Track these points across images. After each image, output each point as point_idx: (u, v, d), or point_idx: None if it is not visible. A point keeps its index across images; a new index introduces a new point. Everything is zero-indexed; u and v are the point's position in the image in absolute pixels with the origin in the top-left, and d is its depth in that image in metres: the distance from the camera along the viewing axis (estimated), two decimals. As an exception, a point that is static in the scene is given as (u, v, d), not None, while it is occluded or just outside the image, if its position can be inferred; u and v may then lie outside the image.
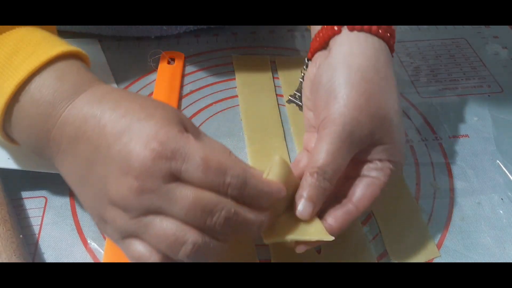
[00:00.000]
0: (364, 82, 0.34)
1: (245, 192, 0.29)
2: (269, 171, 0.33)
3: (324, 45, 0.39)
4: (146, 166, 0.28)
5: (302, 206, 0.33)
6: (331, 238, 0.33)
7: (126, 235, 0.30)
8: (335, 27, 0.37)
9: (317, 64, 0.38)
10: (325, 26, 0.38)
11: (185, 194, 0.28)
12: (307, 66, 0.41)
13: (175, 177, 0.28)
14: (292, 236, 0.33)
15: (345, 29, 0.37)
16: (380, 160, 0.35)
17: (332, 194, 0.35)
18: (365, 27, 0.36)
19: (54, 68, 0.33)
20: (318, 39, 0.39)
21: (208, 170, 0.28)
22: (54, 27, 0.39)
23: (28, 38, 0.34)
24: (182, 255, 0.28)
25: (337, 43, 0.37)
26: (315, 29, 0.41)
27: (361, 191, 0.35)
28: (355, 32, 0.37)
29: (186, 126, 0.31)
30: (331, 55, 0.36)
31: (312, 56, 0.40)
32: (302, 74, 0.43)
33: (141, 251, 0.29)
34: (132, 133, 0.29)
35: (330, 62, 0.36)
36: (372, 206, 0.35)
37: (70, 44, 0.35)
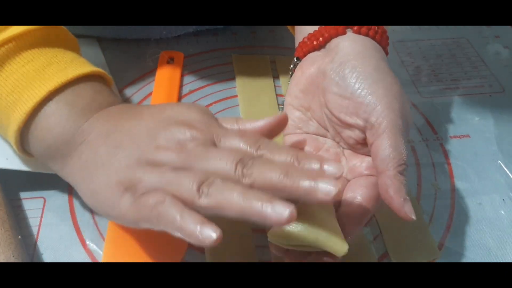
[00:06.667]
0: (390, 71, 0.35)
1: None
2: None
3: (323, 45, 0.38)
4: (203, 122, 0.33)
5: (410, 209, 0.31)
6: (343, 251, 0.31)
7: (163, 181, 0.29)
8: (339, 28, 0.37)
9: (318, 63, 0.37)
10: (323, 26, 0.38)
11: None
12: (295, 66, 0.40)
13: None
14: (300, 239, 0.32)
15: (350, 31, 0.37)
16: None
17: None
18: (370, 33, 0.37)
19: (88, 84, 0.36)
20: (316, 38, 0.38)
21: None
22: (76, 42, 0.40)
23: (60, 55, 0.36)
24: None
25: (345, 40, 0.37)
26: (303, 30, 0.40)
27: (363, 191, 0.34)
28: (361, 36, 0.37)
29: None
30: (342, 49, 0.36)
31: (305, 55, 0.39)
32: (291, 73, 0.42)
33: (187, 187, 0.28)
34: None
35: (347, 54, 0.35)
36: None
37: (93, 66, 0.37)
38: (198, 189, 0.28)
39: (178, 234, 0.28)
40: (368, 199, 0.34)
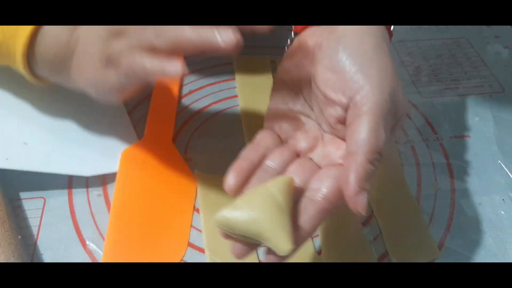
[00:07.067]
0: (388, 53, 0.33)
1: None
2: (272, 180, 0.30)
3: None
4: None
5: (363, 202, 0.28)
6: (286, 250, 0.28)
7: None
8: None
9: (317, 36, 0.35)
10: None
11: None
12: (291, 42, 0.38)
13: None
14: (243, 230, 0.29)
15: None
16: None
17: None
18: None
19: None
20: None
21: None
22: None
23: None
24: None
25: None
26: None
27: (331, 183, 0.30)
28: None
29: None
30: (342, 26, 0.34)
31: (303, 30, 0.37)
32: (288, 43, 0.39)
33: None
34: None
35: (346, 29, 0.34)
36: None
37: None
38: (154, 35, 0.32)
39: (154, 77, 0.33)
40: (334, 192, 0.30)
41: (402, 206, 0.43)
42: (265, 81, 0.54)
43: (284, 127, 0.36)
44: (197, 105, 0.51)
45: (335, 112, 0.33)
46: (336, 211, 0.31)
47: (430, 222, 0.42)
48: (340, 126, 0.33)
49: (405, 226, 0.41)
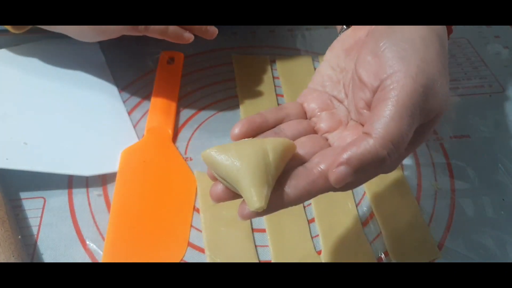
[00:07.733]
0: (438, 46, 0.32)
1: None
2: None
3: None
4: None
5: (344, 179, 0.27)
6: (255, 206, 0.27)
7: None
8: None
9: (372, 26, 0.34)
10: None
11: None
12: (343, 30, 0.38)
13: None
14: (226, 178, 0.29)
15: None
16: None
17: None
18: None
19: None
20: None
21: None
22: None
23: None
24: None
25: None
26: None
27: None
28: None
29: None
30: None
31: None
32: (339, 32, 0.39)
33: None
34: None
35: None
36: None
37: None
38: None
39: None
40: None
41: (402, 206, 0.43)
42: (265, 81, 0.54)
43: (312, 106, 0.35)
44: (197, 105, 0.51)
45: (364, 95, 0.31)
46: (326, 191, 0.29)
47: (430, 222, 0.42)
48: (366, 112, 0.32)
49: (405, 226, 0.41)
